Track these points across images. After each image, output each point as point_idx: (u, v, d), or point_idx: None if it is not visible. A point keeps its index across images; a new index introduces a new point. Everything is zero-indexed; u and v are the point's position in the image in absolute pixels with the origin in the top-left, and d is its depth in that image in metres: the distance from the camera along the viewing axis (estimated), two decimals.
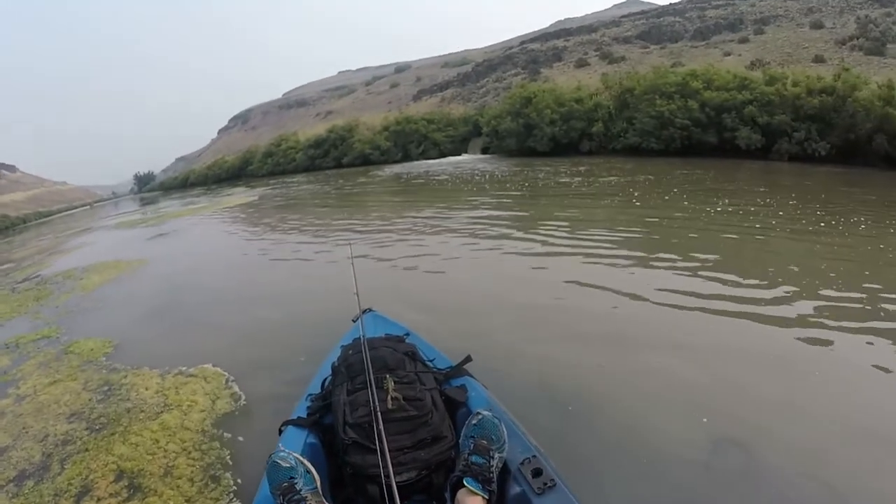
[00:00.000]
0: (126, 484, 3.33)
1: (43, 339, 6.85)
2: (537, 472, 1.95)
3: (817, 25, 30.16)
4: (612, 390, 3.59)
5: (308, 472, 2.07)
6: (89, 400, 4.62)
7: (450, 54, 71.34)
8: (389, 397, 2.29)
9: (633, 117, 21.61)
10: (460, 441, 2.16)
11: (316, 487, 2.05)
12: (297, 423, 2.54)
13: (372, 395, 2.27)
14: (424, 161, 32.83)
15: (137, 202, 52.44)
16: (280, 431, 2.54)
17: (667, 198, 11.02)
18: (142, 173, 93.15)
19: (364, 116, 45.47)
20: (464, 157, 31.69)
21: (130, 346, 5.94)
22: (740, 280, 5.55)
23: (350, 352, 2.77)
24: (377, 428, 2.05)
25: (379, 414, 2.13)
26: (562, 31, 48.52)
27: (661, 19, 41.41)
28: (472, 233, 9.23)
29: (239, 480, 3.21)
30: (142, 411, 4.20)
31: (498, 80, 41.71)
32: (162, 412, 4.12)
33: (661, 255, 6.66)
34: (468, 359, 2.80)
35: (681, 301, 5.05)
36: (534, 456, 2.03)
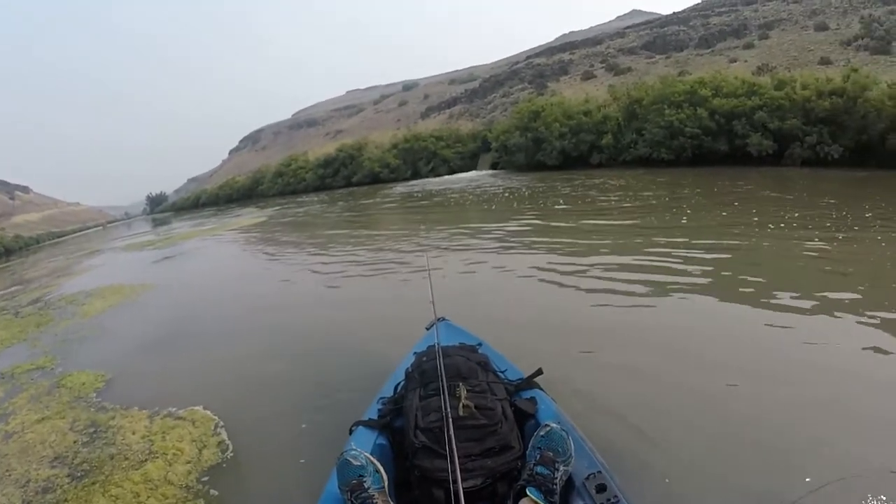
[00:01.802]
0: None
1: (38, 369, 6.82)
2: (601, 488, 1.95)
3: (822, 27, 30.06)
4: (676, 411, 3.47)
5: (377, 471, 2.11)
6: (74, 442, 4.51)
7: (456, 71, 72.00)
8: (461, 405, 2.31)
9: (643, 128, 21.47)
10: (527, 452, 2.16)
11: (383, 487, 2.09)
12: (368, 424, 2.59)
13: (444, 401, 2.30)
14: (435, 178, 32.95)
15: (149, 223, 53.49)
16: (351, 431, 2.59)
17: (724, 214, 10.07)
18: (154, 194, 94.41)
19: (373, 135, 46.02)
20: (474, 173, 31.75)
21: (122, 382, 5.86)
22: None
23: (424, 358, 2.81)
24: (447, 434, 2.07)
25: (450, 420, 2.15)
26: (567, 45, 48.70)
27: (666, 29, 41.45)
28: (515, 258, 8.58)
29: None
30: (126, 458, 4.05)
31: (505, 95, 41.98)
32: (146, 461, 3.96)
33: (746, 285, 5.86)
34: (539, 371, 2.80)
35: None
36: (599, 472, 2.02)
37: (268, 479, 3.50)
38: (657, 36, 40.47)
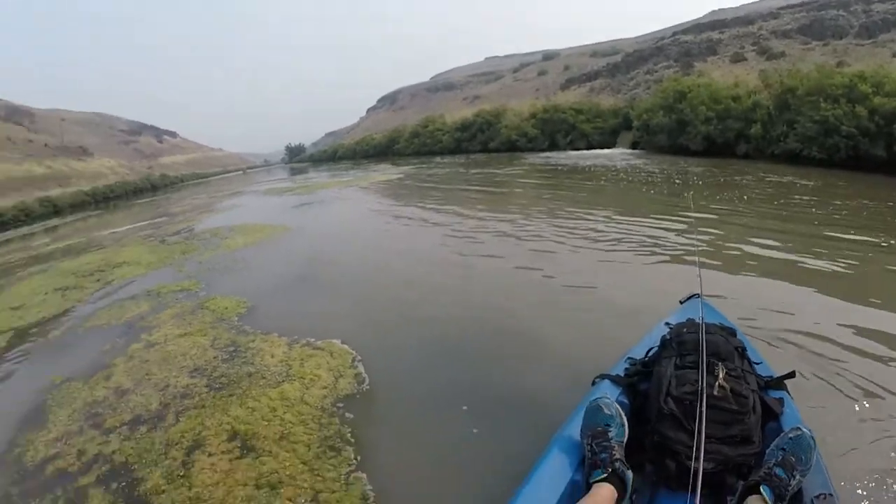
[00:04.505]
0: (239, 444, 3.36)
1: (182, 291, 7.24)
2: None
3: None
4: None
5: (622, 424, 2.18)
6: (214, 358, 4.70)
7: (598, 43, 69.57)
8: (717, 384, 2.27)
9: (795, 120, 20.07)
10: (768, 450, 2.08)
11: (623, 441, 2.16)
12: (614, 379, 2.63)
13: (702, 376, 2.28)
14: (573, 152, 32.82)
15: (288, 171, 55.57)
16: (594, 382, 2.66)
17: None
18: (293, 144, 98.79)
19: (511, 103, 46.14)
20: (614, 150, 31.38)
21: (263, 310, 6.04)
22: None
23: (684, 329, 2.76)
24: (700, 409, 2.03)
25: (705, 397, 2.13)
26: (716, 23, 47.06)
27: (824, 12, 39.28)
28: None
29: (359, 457, 3.15)
30: (263, 378, 4.19)
31: (649, 72, 41.49)
32: (283, 382, 4.07)
33: None
34: (791, 374, 2.65)
35: None
36: (830, 494, 1.89)
37: (403, 417, 3.62)
38: (814, 20, 38.67)
